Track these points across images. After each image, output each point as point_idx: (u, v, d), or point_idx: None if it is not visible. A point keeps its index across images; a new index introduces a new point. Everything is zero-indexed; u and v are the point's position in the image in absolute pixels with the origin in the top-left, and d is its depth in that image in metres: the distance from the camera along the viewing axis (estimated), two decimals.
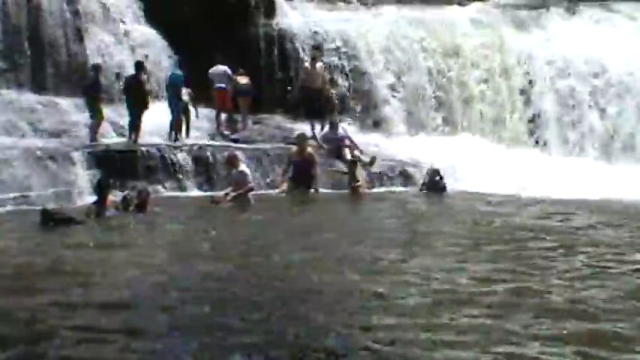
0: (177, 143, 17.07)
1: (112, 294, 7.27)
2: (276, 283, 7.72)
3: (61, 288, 7.49)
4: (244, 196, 14.15)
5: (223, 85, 18.88)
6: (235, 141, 18.04)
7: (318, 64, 19.12)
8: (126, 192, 13.59)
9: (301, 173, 15.59)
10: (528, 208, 13.73)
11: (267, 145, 17.85)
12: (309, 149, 15.96)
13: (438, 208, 14.31)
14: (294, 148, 16.06)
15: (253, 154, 16.70)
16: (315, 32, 21.01)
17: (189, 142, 17.33)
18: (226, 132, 18.75)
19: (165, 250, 9.81)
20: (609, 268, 8.37)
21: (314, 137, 18.44)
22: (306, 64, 19.36)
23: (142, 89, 16.93)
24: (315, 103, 18.87)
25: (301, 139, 16.30)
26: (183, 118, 17.83)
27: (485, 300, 6.89)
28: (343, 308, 6.69)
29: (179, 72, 17.94)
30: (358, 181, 15.55)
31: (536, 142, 20.95)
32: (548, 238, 10.25)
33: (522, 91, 21.54)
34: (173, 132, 17.58)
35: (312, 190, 15.61)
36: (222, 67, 18.97)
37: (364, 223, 12.72)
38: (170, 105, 17.60)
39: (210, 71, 18.95)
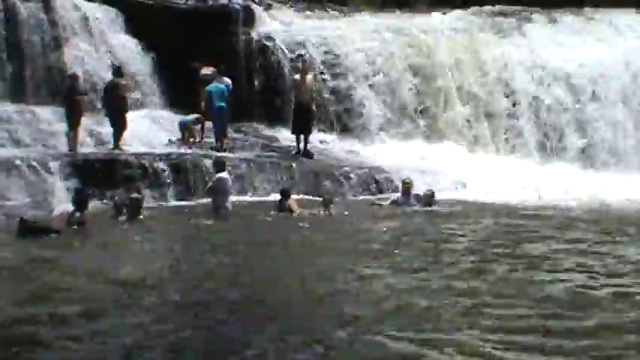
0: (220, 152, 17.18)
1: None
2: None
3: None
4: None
5: None
6: (217, 150, 17.96)
7: (309, 76, 18.46)
8: (116, 197, 13.54)
9: None
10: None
11: (247, 154, 17.84)
12: (291, 202, 14.10)
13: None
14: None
15: (233, 162, 16.59)
16: (296, 41, 21.07)
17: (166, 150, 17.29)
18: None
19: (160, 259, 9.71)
20: None
21: (298, 152, 18.25)
22: (297, 76, 18.67)
23: (120, 94, 16.91)
24: (304, 116, 18.22)
25: (284, 193, 14.34)
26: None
27: None
28: None
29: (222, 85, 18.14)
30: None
31: (513, 147, 21.01)
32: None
33: (502, 98, 21.60)
34: (218, 141, 17.86)
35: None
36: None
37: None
38: (215, 116, 17.94)
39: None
